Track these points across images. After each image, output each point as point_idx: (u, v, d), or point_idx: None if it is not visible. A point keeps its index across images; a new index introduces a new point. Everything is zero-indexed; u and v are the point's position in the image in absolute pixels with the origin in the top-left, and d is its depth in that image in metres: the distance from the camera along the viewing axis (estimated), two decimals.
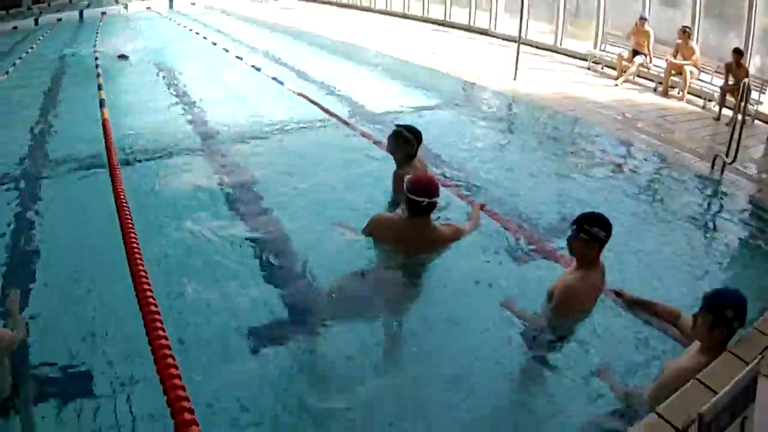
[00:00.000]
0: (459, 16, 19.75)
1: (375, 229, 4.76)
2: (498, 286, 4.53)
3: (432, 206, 4.52)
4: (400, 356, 4.10)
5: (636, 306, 4.12)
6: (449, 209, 5.64)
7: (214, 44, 17.44)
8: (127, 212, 5.14)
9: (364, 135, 8.12)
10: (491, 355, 3.92)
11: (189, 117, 9.81)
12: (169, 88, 12.10)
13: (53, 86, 12.79)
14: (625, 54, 12.14)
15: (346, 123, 8.87)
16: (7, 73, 14.18)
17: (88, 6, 32.41)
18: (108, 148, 7.35)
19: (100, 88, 11.41)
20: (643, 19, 11.93)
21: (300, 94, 10.60)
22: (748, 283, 4.32)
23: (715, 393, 2.25)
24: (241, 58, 14.75)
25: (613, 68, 12.47)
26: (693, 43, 10.96)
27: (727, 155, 6.85)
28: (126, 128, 8.62)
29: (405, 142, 5.48)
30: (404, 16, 22.73)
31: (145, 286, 3.74)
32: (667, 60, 11.14)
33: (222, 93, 11.42)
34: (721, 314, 3.09)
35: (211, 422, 3.15)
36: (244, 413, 3.38)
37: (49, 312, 4.29)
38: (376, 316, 4.32)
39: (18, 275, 4.89)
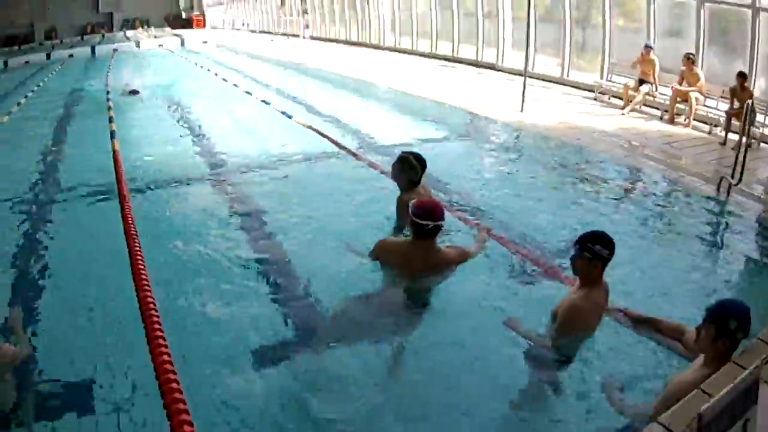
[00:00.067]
0: (466, 52, 19.98)
1: (381, 253, 4.82)
2: (502, 308, 4.51)
3: (437, 229, 4.56)
4: (403, 377, 4.08)
5: (640, 323, 4.08)
6: (457, 235, 5.65)
7: (225, 80, 17.74)
8: (135, 236, 5.23)
9: (371, 165, 8.17)
10: (495, 375, 3.91)
11: (198, 149, 9.97)
12: (179, 122, 12.29)
13: (65, 119, 13.06)
14: (631, 83, 12.21)
15: (354, 154, 8.93)
16: (18, 104, 14.49)
17: (99, 43, 33.16)
18: (118, 177, 7.54)
19: (110, 120, 11.64)
20: (648, 47, 12.00)
21: (309, 127, 10.72)
22: (754, 301, 4.28)
23: None
24: (251, 93, 14.97)
25: (620, 98, 12.53)
26: (698, 70, 11.03)
27: (732, 177, 6.85)
28: (136, 159, 8.79)
29: (410, 168, 5.53)
30: (413, 53, 23.03)
31: (150, 305, 3.78)
32: (672, 87, 11.20)
33: (232, 126, 11.62)
34: (725, 325, 3.05)
35: None
36: (244, 428, 3.37)
37: (54, 329, 4.35)
38: (381, 338, 4.30)
39: (26, 294, 4.98)
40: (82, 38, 41.80)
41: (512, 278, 5.03)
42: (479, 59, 19.24)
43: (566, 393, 3.72)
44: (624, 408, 3.47)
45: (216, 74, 19.24)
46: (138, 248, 5.08)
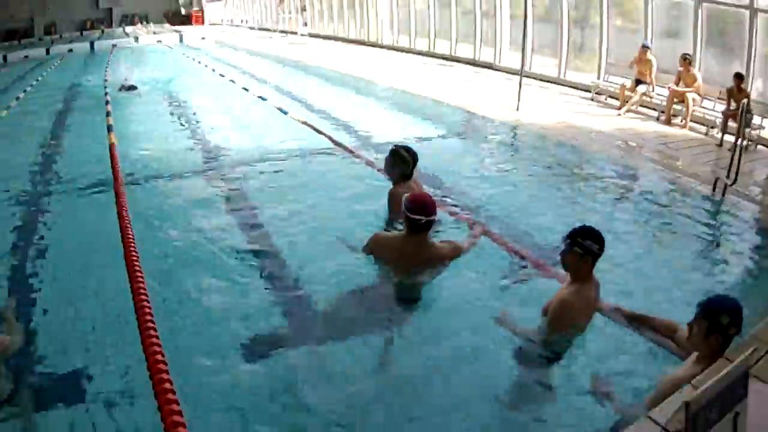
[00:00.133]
0: (464, 51, 19.97)
1: (374, 248, 4.83)
2: (494, 305, 4.51)
3: (430, 224, 4.57)
4: (395, 371, 4.07)
5: (633, 321, 4.08)
6: (451, 231, 5.67)
7: (222, 76, 17.73)
8: (129, 227, 5.26)
9: (368, 163, 8.17)
10: (486, 370, 3.93)
11: (194, 143, 9.99)
12: (176, 117, 12.30)
13: (63, 113, 13.08)
14: (628, 84, 12.20)
15: (350, 151, 8.94)
16: (17, 98, 14.50)
17: (99, 38, 33.14)
18: (114, 170, 7.63)
19: (108, 115, 11.67)
20: (645, 47, 11.96)
21: (305, 123, 10.73)
22: (747, 300, 4.26)
23: None
24: (248, 90, 14.96)
25: (617, 98, 12.51)
26: (695, 70, 11.00)
27: (728, 177, 6.84)
28: (133, 153, 8.85)
29: (402, 161, 5.56)
30: (410, 51, 22.99)
31: (143, 297, 3.80)
32: (669, 88, 11.19)
33: (228, 122, 11.60)
34: (717, 321, 3.05)
35: None
36: (236, 420, 3.37)
37: (51, 320, 4.36)
38: (373, 333, 4.31)
39: (24, 285, 5.00)
40: (82, 33, 41.77)
41: (505, 275, 5.02)
42: (477, 58, 19.22)
43: (556, 389, 3.73)
44: (611, 397, 3.48)
45: (214, 70, 19.21)
46: (132, 240, 5.09)
